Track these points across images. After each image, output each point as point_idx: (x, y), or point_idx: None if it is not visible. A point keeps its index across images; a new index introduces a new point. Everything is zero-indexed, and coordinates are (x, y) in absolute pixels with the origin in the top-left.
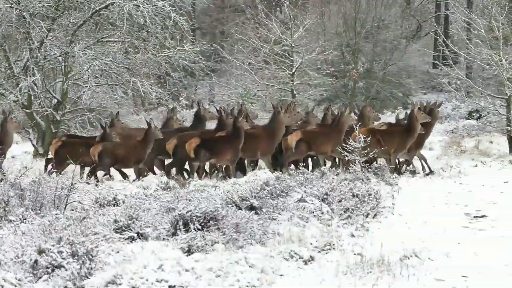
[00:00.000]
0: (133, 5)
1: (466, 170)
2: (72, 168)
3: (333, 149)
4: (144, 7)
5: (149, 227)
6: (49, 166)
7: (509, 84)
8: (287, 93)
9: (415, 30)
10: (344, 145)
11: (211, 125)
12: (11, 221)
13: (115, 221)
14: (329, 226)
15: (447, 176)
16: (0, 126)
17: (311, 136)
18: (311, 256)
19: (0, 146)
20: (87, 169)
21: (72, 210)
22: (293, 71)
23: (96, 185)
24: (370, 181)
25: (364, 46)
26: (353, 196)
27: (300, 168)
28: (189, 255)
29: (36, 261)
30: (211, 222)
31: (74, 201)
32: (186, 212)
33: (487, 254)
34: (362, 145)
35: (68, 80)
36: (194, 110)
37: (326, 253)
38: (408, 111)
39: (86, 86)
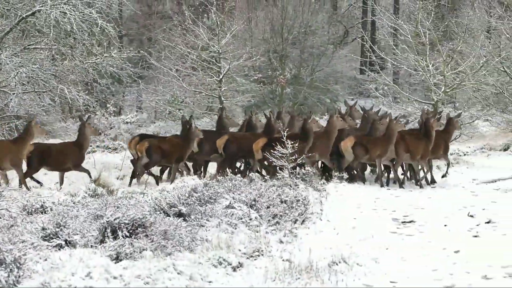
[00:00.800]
0: (60, 12)
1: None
2: None
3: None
4: (71, 14)
5: (77, 234)
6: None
7: (435, 90)
8: (215, 100)
9: (342, 36)
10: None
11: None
12: None
13: (43, 228)
14: (257, 232)
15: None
16: (78, 130)
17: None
18: (239, 263)
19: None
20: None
21: (0, 218)
22: (221, 77)
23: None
24: (298, 187)
25: (291, 52)
26: (282, 202)
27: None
28: (118, 262)
29: None
30: (139, 229)
31: (2, 209)
32: (114, 219)
33: (415, 260)
34: (290, 151)
35: None
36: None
37: (255, 259)
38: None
39: (13, 94)
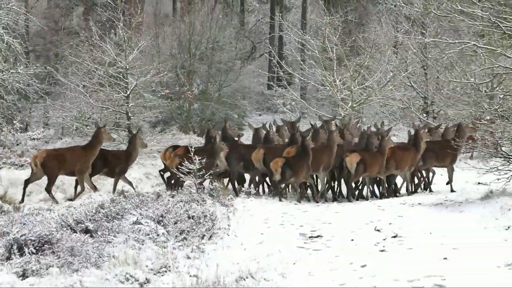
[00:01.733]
0: None
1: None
2: None
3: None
4: None
5: None
6: None
7: (343, 105)
8: (122, 116)
9: (249, 51)
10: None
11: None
12: None
13: None
14: (164, 248)
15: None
16: (129, 141)
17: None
18: (146, 279)
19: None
20: None
21: None
22: (128, 93)
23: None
24: (205, 203)
25: (199, 68)
26: (189, 217)
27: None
28: (24, 279)
29: None
30: (46, 245)
31: None
32: (21, 236)
33: (322, 274)
34: (197, 167)
35: None
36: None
37: (162, 275)
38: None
39: None
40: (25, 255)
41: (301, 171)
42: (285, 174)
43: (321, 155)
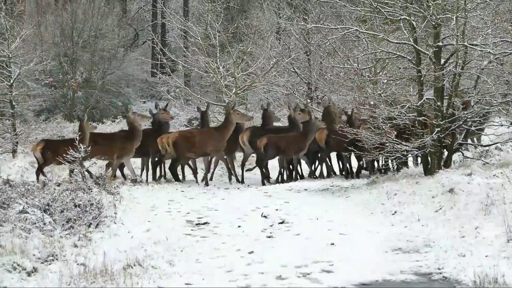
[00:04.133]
0: None
1: (189, 177)
2: None
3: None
4: None
5: None
6: None
7: (227, 91)
8: (6, 104)
9: (132, 39)
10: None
11: None
12: None
13: None
14: (51, 237)
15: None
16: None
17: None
18: (34, 268)
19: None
20: None
21: None
22: (11, 82)
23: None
24: (92, 191)
25: (82, 56)
26: (75, 206)
27: None
28: None
29: None
30: None
31: None
32: None
33: (209, 261)
34: (82, 155)
35: None
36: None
37: (49, 264)
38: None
39: None
40: None
41: None
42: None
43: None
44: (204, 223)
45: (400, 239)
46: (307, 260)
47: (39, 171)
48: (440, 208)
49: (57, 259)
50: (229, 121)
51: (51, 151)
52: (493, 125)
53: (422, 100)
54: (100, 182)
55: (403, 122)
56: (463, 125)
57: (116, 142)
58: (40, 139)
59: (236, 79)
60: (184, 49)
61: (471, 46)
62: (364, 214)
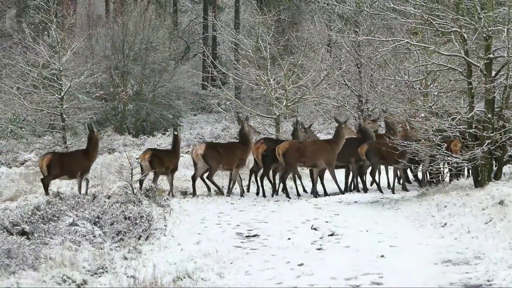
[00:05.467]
0: None
1: (237, 191)
2: None
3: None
4: None
5: None
6: None
7: (277, 104)
8: (57, 117)
9: (183, 51)
10: None
11: None
12: None
13: None
14: (101, 249)
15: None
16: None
17: None
18: (84, 280)
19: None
20: None
21: None
22: (62, 94)
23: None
24: (142, 203)
25: (133, 69)
26: (125, 218)
27: None
28: None
29: None
30: None
31: None
32: None
33: (259, 273)
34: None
35: None
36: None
37: (99, 276)
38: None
39: None
40: None
41: None
42: None
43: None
44: (254, 236)
45: (450, 251)
46: (357, 272)
47: (143, 178)
48: (490, 220)
49: (107, 271)
50: (340, 135)
51: (158, 160)
52: None
53: (473, 112)
54: (150, 194)
55: (453, 134)
56: None
57: (236, 152)
58: (146, 148)
59: (286, 91)
60: (235, 62)
61: None
62: (414, 226)
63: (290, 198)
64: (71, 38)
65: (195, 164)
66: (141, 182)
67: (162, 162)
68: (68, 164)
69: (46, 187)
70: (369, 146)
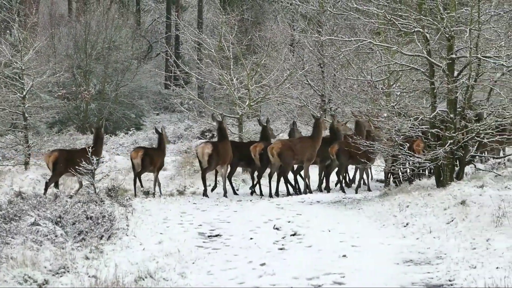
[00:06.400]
0: None
1: (199, 191)
2: None
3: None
4: None
5: None
6: None
7: (240, 103)
8: (19, 116)
9: (146, 51)
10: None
11: None
12: None
13: None
14: (63, 249)
15: (181, 197)
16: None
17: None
18: (45, 280)
19: None
20: None
21: None
22: (24, 94)
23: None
24: (104, 203)
25: (95, 68)
26: (87, 218)
27: None
28: None
29: None
30: None
31: None
32: None
33: (221, 273)
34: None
35: None
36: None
37: (61, 276)
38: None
39: None
40: None
41: None
42: None
43: None
44: (216, 235)
45: (411, 251)
46: (319, 272)
47: (138, 177)
48: (452, 220)
49: (68, 271)
50: (318, 130)
51: (149, 158)
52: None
53: (435, 112)
54: (112, 194)
55: (415, 134)
56: (475, 138)
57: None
58: (137, 146)
59: (249, 91)
60: (198, 61)
61: (484, 58)
62: (376, 226)
63: (263, 195)
64: (33, 37)
65: (200, 163)
66: (139, 179)
67: (152, 160)
68: (75, 161)
69: (47, 188)
70: (339, 146)
